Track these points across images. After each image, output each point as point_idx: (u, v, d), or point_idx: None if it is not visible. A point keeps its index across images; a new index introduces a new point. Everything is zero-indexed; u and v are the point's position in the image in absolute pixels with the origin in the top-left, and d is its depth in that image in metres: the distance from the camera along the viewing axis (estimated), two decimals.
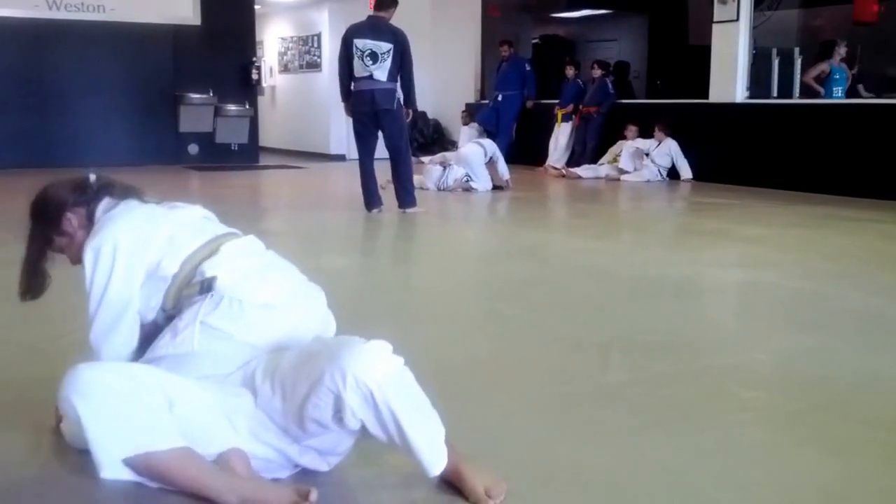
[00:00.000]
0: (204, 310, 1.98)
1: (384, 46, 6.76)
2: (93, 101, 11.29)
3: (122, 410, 1.81)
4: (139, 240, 2.02)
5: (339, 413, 1.84)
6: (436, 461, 1.88)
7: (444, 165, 8.98)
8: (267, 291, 2.04)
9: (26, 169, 10.36)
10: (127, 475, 1.84)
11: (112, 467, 1.82)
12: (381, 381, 1.82)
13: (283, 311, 2.05)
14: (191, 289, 2.02)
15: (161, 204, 2.20)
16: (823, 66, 9.27)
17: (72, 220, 2.14)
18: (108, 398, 1.81)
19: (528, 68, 12.01)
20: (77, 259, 2.08)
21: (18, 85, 10.89)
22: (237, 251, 2.11)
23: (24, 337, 2.38)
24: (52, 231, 2.16)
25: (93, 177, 2.20)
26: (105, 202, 2.15)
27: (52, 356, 1.86)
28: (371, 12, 7.00)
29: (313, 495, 1.77)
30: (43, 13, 10.83)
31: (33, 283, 2.18)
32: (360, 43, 6.80)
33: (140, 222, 2.06)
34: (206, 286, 2.01)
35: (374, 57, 6.76)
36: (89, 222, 2.11)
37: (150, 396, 1.83)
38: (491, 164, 9.12)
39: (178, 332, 1.98)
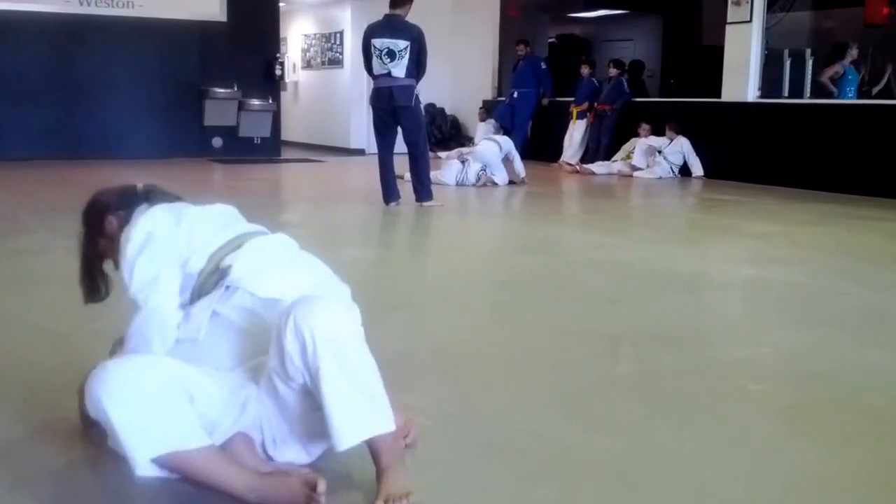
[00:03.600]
0: (219, 299, 2.01)
1: (401, 44, 6.91)
2: (121, 95, 11.49)
3: (150, 411, 1.83)
4: (170, 232, 2.06)
5: (284, 365, 1.86)
6: (344, 437, 1.83)
7: (462, 160, 9.14)
8: (277, 287, 2.03)
9: (57, 160, 10.63)
10: (158, 472, 1.88)
11: (144, 466, 1.86)
12: (322, 332, 1.82)
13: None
14: (211, 280, 2.05)
15: (193, 204, 2.23)
16: (837, 67, 9.34)
17: (112, 222, 2.19)
18: (136, 399, 1.82)
19: (543, 66, 12.12)
20: (117, 260, 2.10)
21: (50, 78, 11.09)
22: (261, 247, 2.13)
23: (48, 322, 2.33)
24: (96, 233, 2.22)
25: (140, 185, 2.28)
26: (142, 208, 2.18)
27: (75, 343, 1.96)
28: (388, 11, 7.11)
29: (321, 486, 1.77)
30: (74, 8, 11.05)
31: (91, 287, 2.25)
32: (377, 42, 6.95)
33: (171, 217, 2.10)
34: (222, 275, 2.03)
35: (391, 55, 6.91)
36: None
37: (174, 393, 1.86)
38: (507, 160, 9.25)
39: (191, 317, 2.01)
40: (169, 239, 2.05)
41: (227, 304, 2.01)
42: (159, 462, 1.86)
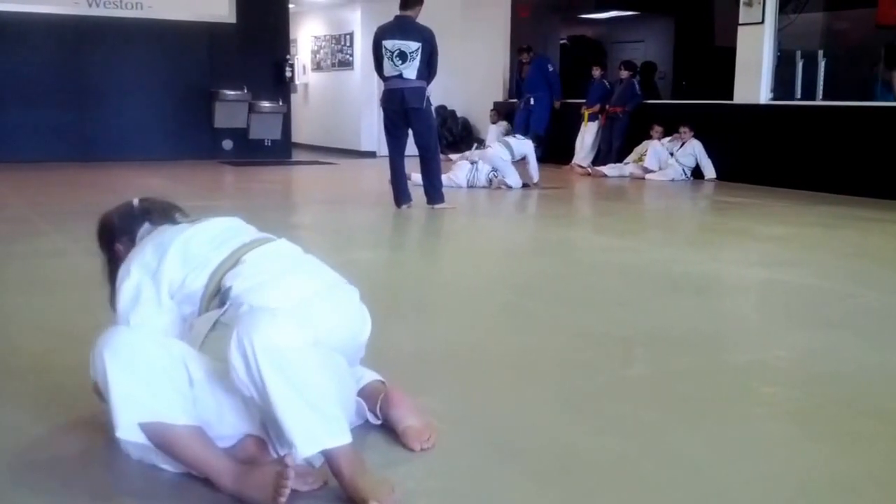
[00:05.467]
0: (222, 312, 2.06)
1: (412, 45, 6.91)
2: (130, 97, 11.52)
3: (147, 376, 1.88)
4: (163, 260, 2.08)
5: (232, 378, 1.88)
6: (304, 445, 1.84)
7: (472, 162, 9.12)
8: (276, 296, 2.05)
9: (66, 162, 10.68)
10: (140, 438, 1.90)
11: (128, 429, 1.88)
12: (262, 344, 1.82)
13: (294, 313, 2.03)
14: (213, 302, 2.09)
15: (193, 223, 2.24)
16: None
17: (120, 248, 2.24)
18: (137, 362, 1.88)
19: (551, 69, 12.05)
20: None
21: (59, 80, 11.12)
22: (259, 258, 2.15)
23: (62, 325, 2.32)
24: (113, 257, 2.27)
25: (135, 201, 2.31)
26: (144, 228, 2.24)
27: (90, 345, 2.00)
28: (398, 12, 7.12)
29: (290, 460, 1.80)
30: (83, 10, 11.07)
31: None
32: (388, 43, 6.94)
33: (165, 244, 2.11)
34: (223, 297, 2.08)
35: (402, 56, 6.91)
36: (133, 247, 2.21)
37: (175, 370, 1.91)
38: (522, 162, 9.22)
39: (193, 329, 2.07)
40: (158, 269, 2.07)
41: (229, 316, 2.04)
42: (145, 429, 1.89)
